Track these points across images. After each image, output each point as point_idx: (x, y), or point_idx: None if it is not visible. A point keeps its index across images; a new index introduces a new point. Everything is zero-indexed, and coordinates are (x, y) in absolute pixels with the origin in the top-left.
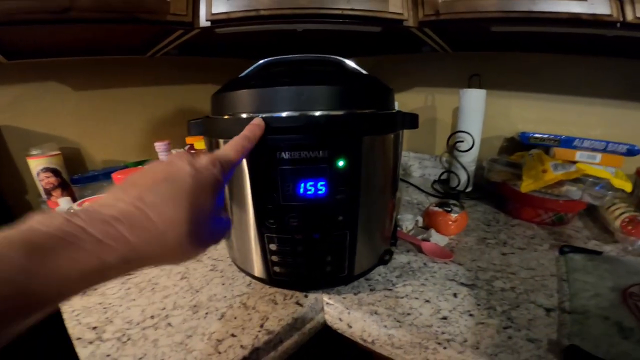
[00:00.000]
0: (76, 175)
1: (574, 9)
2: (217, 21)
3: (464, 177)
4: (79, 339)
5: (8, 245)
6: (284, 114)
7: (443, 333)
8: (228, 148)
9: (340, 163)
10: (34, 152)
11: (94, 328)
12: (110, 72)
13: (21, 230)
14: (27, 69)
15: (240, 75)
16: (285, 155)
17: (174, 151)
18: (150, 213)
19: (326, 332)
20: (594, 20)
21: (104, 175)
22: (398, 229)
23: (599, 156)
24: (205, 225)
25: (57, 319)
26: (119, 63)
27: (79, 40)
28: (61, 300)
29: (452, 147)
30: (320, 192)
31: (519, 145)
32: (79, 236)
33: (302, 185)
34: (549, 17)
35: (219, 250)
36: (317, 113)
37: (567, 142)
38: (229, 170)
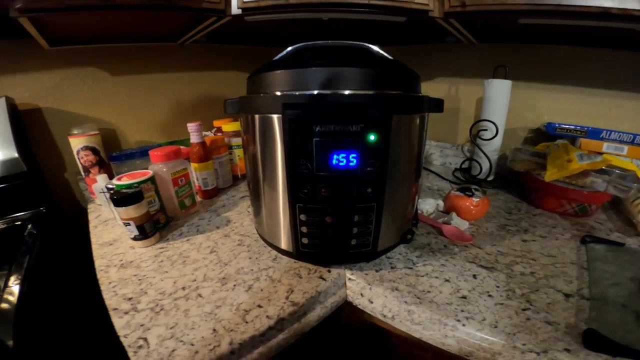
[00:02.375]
0: (115, 153)
1: (605, 3)
2: (248, 9)
3: (486, 166)
4: (115, 309)
5: None
6: (318, 92)
7: (462, 311)
8: None
9: (372, 137)
10: (75, 132)
11: (130, 299)
12: (144, 59)
13: None
14: (68, 55)
15: (273, 59)
16: (320, 128)
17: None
18: None
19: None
20: (624, 15)
21: (140, 154)
22: (419, 212)
23: (625, 148)
24: None
25: (95, 291)
26: (152, 50)
27: (116, 28)
28: None
29: (475, 136)
30: (351, 163)
31: (544, 136)
32: None
33: (335, 156)
34: (578, 10)
35: (245, 226)
36: (351, 92)
37: (594, 134)
38: None
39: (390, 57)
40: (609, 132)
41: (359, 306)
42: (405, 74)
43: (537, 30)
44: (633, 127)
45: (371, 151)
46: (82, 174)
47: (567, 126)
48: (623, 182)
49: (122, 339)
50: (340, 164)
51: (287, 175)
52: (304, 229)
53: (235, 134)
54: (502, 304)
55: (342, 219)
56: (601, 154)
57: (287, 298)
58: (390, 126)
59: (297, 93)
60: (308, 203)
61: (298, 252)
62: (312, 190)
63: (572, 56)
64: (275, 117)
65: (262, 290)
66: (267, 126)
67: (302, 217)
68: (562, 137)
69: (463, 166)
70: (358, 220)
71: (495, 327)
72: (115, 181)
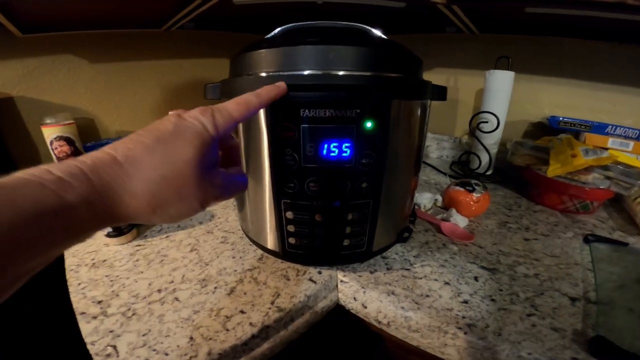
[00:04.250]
0: (89, 143)
1: None
2: None
3: (485, 159)
4: (83, 313)
5: None
6: (309, 72)
7: (464, 317)
8: (230, 101)
9: (369, 124)
10: (48, 121)
11: (99, 302)
12: (125, 46)
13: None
14: (42, 43)
15: (261, 39)
16: (309, 113)
17: None
18: (118, 155)
19: (337, 311)
20: None
21: None
22: (416, 207)
23: (631, 144)
24: (187, 177)
25: (63, 293)
26: (135, 36)
27: (95, 13)
28: (28, 253)
29: (475, 128)
30: (344, 154)
31: (546, 130)
32: (41, 175)
33: (326, 146)
34: (592, 0)
35: (230, 222)
36: (347, 73)
37: (599, 128)
38: (225, 123)
39: (389, 38)
40: (614, 127)
41: (351, 311)
42: (407, 56)
43: (541, 21)
44: (637, 123)
45: (368, 140)
46: None
47: (571, 120)
48: (626, 179)
49: (89, 346)
50: (332, 154)
51: (271, 168)
52: (290, 228)
53: None
54: (505, 309)
55: (334, 217)
56: (606, 149)
57: (272, 303)
58: (390, 112)
59: (284, 73)
60: (295, 199)
61: (285, 253)
62: (299, 184)
63: (576, 49)
64: None
65: (245, 293)
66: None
67: (289, 214)
68: (566, 131)
69: (461, 159)
70: (352, 219)
71: (499, 334)
72: None
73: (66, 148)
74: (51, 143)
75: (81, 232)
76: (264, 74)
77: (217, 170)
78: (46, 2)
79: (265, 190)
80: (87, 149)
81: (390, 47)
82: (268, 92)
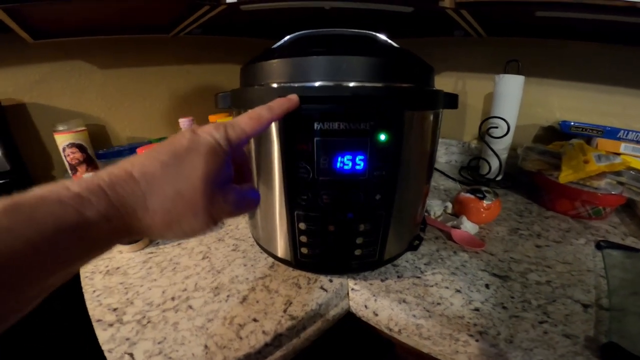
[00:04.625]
0: (101, 151)
1: None
2: None
3: (495, 165)
4: (99, 320)
5: None
6: (321, 84)
7: (475, 325)
8: (242, 115)
9: (382, 137)
10: (60, 128)
11: (115, 309)
12: (135, 51)
13: (14, 194)
14: (53, 48)
15: (270, 48)
16: (322, 126)
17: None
18: (134, 171)
19: (347, 319)
20: None
21: (129, 151)
22: (426, 214)
23: None
24: (201, 192)
25: (79, 299)
26: (144, 42)
27: (105, 19)
28: (50, 268)
29: (485, 133)
30: (358, 167)
31: (557, 134)
32: (59, 192)
33: (339, 159)
34: (604, 4)
35: (241, 229)
36: (359, 84)
37: (612, 133)
38: (238, 138)
39: (399, 46)
40: (626, 132)
41: (362, 318)
42: (419, 65)
43: (551, 24)
44: None
45: (381, 152)
46: (69, 172)
47: (582, 125)
48: (638, 185)
49: (106, 354)
50: (346, 167)
51: (284, 180)
52: (303, 239)
53: None
54: (517, 316)
55: (347, 228)
56: (618, 154)
57: (285, 311)
58: (403, 124)
59: (295, 85)
60: (308, 211)
61: (297, 262)
62: (312, 196)
63: (586, 52)
64: None
65: (257, 302)
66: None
67: (302, 225)
68: (577, 136)
69: (471, 165)
70: (364, 230)
71: (511, 342)
72: None
73: (78, 155)
74: (63, 150)
75: (99, 247)
76: (275, 85)
77: (231, 186)
78: (56, 8)
79: (277, 200)
80: (100, 157)
81: (402, 56)
82: (280, 105)
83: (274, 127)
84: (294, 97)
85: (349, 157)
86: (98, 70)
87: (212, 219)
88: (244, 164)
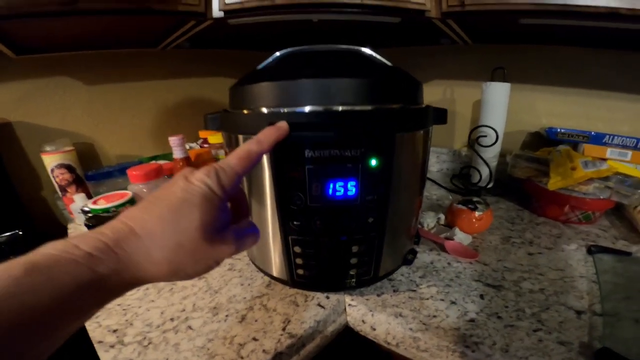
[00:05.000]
0: (91, 172)
1: (613, 3)
2: (231, 11)
3: (485, 173)
4: (100, 342)
5: (8, 265)
6: (310, 109)
7: (471, 336)
8: (231, 156)
9: (373, 162)
10: (47, 149)
11: (115, 331)
12: (121, 66)
13: (31, 252)
14: (37, 64)
15: (258, 67)
16: (313, 153)
17: (187, 146)
18: (136, 227)
19: (346, 332)
20: (633, 15)
21: (119, 171)
22: (419, 226)
23: (629, 154)
24: (200, 241)
25: None
26: (130, 56)
27: (88, 34)
28: (71, 318)
29: (474, 142)
30: (350, 193)
31: (544, 141)
32: (72, 252)
33: (331, 185)
34: (585, 11)
35: None
36: (348, 108)
37: (597, 139)
38: (230, 181)
39: (386, 61)
40: (611, 137)
41: (360, 332)
42: (406, 82)
43: (536, 30)
44: (633, 129)
45: (372, 177)
46: (59, 193)
47: (568, 131)
48: (626, 188)
49: None
50: (337, 193)
51: (277, 207)
52: (298, 261)
53: (223, 145)
54: (512, 325)
55: (341, 250)
56: (605, 159)
57: (284, 329)
58: (394, 147)
59: (285, 110)
60: (301, 235)
61: (293, 282)
62: (305, 222)
63: (570, 57)
64: None
65: (256, 320)
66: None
67: (297, 249)
68: (564, 142)
69: (462, 173)
70: (358, 251)
71: (507, 351)
72: (90, 204)
73: (68, 176)
74: (52, 171)
75: (113, 296)
76: (264, 110)
77: (230, 228)
78: (38, 23)
79: (270, 225)
80: (89, 178)
81: (388, 73)
82: (268, 136)
83: (265, 155)
84: (283, 126)
85: (341, 183)
86: (83, 86)
87: (214, 262)
88: (241, 200)
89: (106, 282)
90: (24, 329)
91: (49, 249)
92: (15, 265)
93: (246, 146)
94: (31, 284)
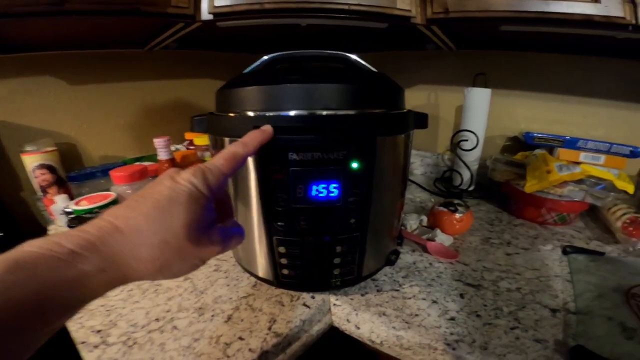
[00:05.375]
0: (73, 173)
1: (588, 10)
2: (220, 14)
3: (467, 176)
4: (83, 342)
5: None
6: (295, 113)
7: (452, 334)
8: (218, 157)
9: (355, 165)
10: (28, 149)
11: (99, 331)
12: (107, 66)
13: (8, 252)
14: (22, 63)
15: (244, 71)
16: (297, 156)
17: (173, 147)
18: (121, 225)
19: (332, 331)
20: (607, 22)
21: (102, 172)
22: (402, 228)
23: (602, 157)
24: (186, 239)
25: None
26: (117, 57)
27: (75, 34)
28: (54, 315)
29: (456, 146)
30: (332, 194)
31: (522, 145)
32: (54, 249)
33: (314, 187)
34: (561, 18)
35: None
36: (331, 112)
37: (572, 143)
38: (217, 181)
39: (370, 67)
40: (585, 142)
41: (345, 332)
42: (389, 88)
43: (517, 37)
44: (607, 133)
45: (354, 179)
46: (40, 193)
47: (544, 136)
48: (599, 191)
49: None
50: (320, 195)
51: (262, 208)
52: (283, 261)
53: (209, 147)
54: (490, 323)
55: (324, 250)
56: (579, 163)
57: (269, 329)
58: (375, 151)
59: (270, 114)
60: (286, 235)
61: (278, 282)
62: (289, 222)
63: (548, 63)
64: None
65: (242, 320)
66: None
67: (281, 249)
68: (540, 146)
69: (444, 176)
70: (341, 251)
71: (485, 348)
72: (73, 205)
73: (49, 176)
74: (33, 171)
75: (98, 293)
76: (251, 114)
77: (215, 227)
78: (25, 23)
79: (255, 226)
80: (71, 179)
81: (371, 79)
82: (254, 139)
83: (250, 157)
84: (267, 129)
85: (324, 185)
86: (68, 85)
87: (200, 260)
88: (226, 200)
89: (90, 279)
90: (6, 326)
91: (31, 247)
92: None
93: (232, 148)
94: (14, 280)
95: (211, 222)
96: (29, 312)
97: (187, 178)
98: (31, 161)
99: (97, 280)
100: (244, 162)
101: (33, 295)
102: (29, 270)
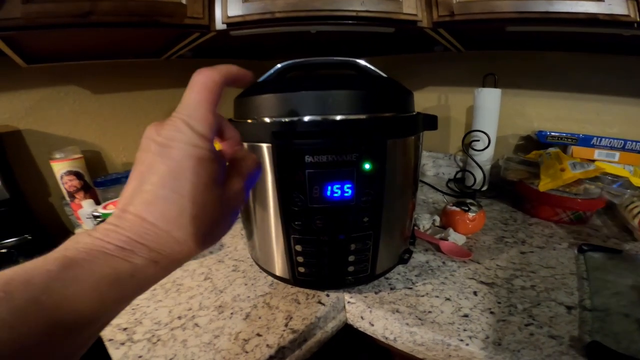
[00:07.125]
0: (99, 178)
1: (591, 9)
2: (233, 24)
3: (479, 176)
4: (110, 340)
5: (43, 260)
6: (310, 118)
7: (465, 330)
8: (187, 97)
9: (367, 166)
10: (57, 156)
11: (125, 329)
12: (127, 76)
13: (56, 249)
14: (46, 73)
15: (261, 79)
16: (312, 159)
17: None
18: (146, 215)
19: (346, 328)
20: (611, 21)
21: (126, 178)
22: (415, 228)
23: (617, 154)
24: (211, 203)
25: None
26: (136, 66)
27: (97, 45)
28: (110, 309)
29: (468, 146)
30: (346, 194)
31: (535, 144)
32: (103, 246)
33: (329, 188)
34: (565, 17)
35: (239, 250)
36: (344, 117)
37: (585, 141)
38: (202, 121)
39: (380, 72)
40: (599, 139)
41: (359, 329)
42: (397, 92)
43: (525, 37)
44: (621, 130)
45: (367, 180)
46: (67, 199)
47: (558, 134)
48: (616, 189)
49: None
50: (335, 195)
51: (280, 208)
52: (299, 259)
53: None
54: (504, 320)
55: (339, 248)
56: (593, 161)
57: (286, 325)
58: (386, 152)
59: (286, 120)
60: (302, 234)
61: (295, 280)
62: (306, 222)
63: (559, 62)
64: (264, 146)
65: (260, 317)
66: (256, 155)
67: (298, 247)
68: (554, 145)
69: (457, 177)
70: (355, 249)
71: (499, 344)
72: (101, 209)
73: (76, 182)
74: (61, 177)
75: (152, 283)
76: (267, 120)
77: (230, 173)
78: (51, 34)
79: (273, 225)
80: (97, 184)
81: (381, 84)
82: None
83: (267, 160)
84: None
85: (338, 186)
86: (92, 95)
87: (232, 213)
88: (224, 128)
89: (145, 270)
90: (65, 324)
91: (78, 245)
92: (49, 261)
93: (195, 77)
94: (73, 276)
95: (223, 169)
96: (89, 306)
97: (175, 137)
98: (59, 168)
99: (150, 272)
100: (219, 87)
101: (91, 291)
102: (85, 267)
